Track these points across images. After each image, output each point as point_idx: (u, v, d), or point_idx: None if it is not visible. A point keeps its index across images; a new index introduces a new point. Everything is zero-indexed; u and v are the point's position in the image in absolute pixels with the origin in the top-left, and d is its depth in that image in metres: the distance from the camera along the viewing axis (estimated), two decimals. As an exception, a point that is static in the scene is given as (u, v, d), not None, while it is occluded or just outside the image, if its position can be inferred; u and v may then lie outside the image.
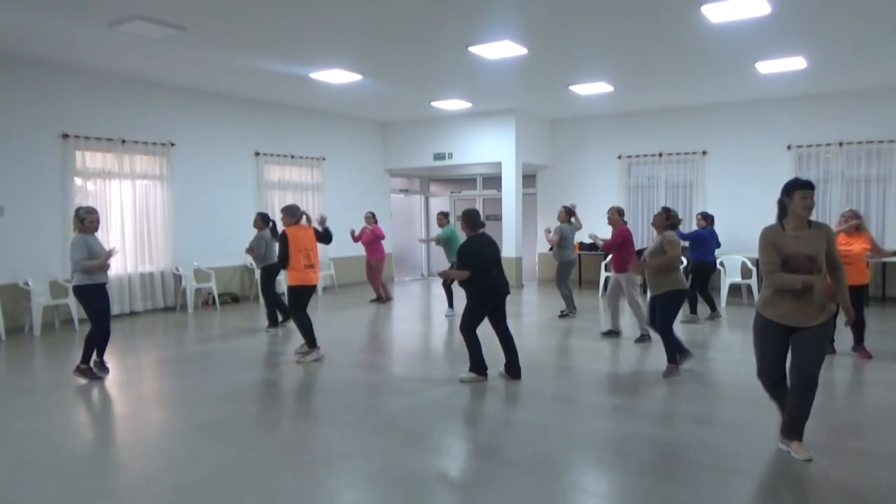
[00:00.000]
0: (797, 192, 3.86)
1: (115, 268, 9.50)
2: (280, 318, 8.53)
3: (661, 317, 5.98)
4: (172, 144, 10.22)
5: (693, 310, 8.96)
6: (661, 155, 12.63)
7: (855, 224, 6.51)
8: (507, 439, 4.45)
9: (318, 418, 5.02)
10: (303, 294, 6.75)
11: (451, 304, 9.55)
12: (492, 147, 13.07)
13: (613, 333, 7.73)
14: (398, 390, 5.65)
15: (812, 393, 3.87)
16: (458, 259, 5.77)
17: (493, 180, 14.21)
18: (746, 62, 8.94)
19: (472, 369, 5.82)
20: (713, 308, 9.07)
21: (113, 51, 8.12)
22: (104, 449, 4.42)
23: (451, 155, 13.61)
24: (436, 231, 10.34)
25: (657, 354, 6.37)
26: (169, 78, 9.77)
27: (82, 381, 5.94)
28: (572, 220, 9.41)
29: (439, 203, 15.88)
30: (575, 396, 5.46)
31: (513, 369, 5.87)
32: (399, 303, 11.15)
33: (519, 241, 13.13)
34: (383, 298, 10.91)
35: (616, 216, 7.85)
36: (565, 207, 9.53)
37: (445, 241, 9.39)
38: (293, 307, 6.76)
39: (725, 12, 6.74)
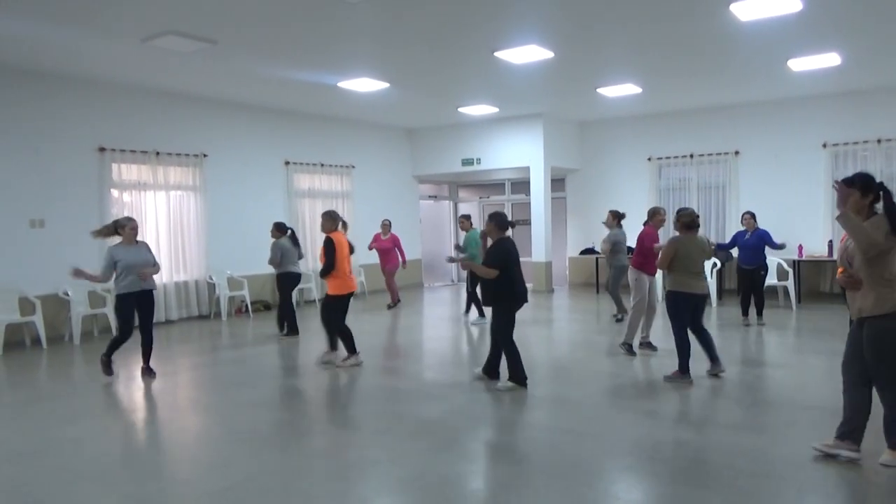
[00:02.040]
0: (882, 192, 3.70)
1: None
2: (286, 330, 8.53)
3: (671, 318, 5.89)
4: (205, 155, 10.41)
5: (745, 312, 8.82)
6: (692, 156, 12.46)
7: None
8: (537, 445, 4.42)
9: (348, 424, 5.05)
10: (346, 301, 6.72)
11: (481, 313, 9.28)
12: (520, 151, 13.04)
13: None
14: (427, 396, 5.66)
15: (881, 394, 3.71)
16: (491, 257, 5.65)
17: (522, 185, 14.16)
18: (778, 60, 8.78)
19: (513, 377, 5.73)
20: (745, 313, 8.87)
21: (146, 65, 8.32)
22: (140, 455, 4.51)
23: (479, 160, 13.61)
24: (461, 236, 10.26)
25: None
26: (200, 90, 9.97)
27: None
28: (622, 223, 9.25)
29: (468, 209, 15.87)
30: (604, 401, 5.40)
31: (491, 369, 5.94)
32: (428, 308, 11.16)
33: (548, 245, 13.06)
34: (392, 303, 11.04)
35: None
36: (613, 212, 9.29)
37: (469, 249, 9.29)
38: (335, 315, 6.70)
39: (755, 10, 6.64)
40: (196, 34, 7.03)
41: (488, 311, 6.03)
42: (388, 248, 10.95)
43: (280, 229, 8.58)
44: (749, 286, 8.84)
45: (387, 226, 11.12)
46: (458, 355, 7.66)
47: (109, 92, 9.23)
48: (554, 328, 9.26)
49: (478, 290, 8.37)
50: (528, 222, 13.53)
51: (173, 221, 10.04)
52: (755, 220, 8.90)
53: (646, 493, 3.67)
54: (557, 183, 13.98)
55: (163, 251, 9.79)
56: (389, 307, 10.98)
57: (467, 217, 9.86)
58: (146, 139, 9.66)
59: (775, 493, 3.53)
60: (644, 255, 7.08)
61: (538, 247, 13.06)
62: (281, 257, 8.38)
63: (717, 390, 5.58)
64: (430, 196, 15.86)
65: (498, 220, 5.75)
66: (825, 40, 7.94)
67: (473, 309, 9.50)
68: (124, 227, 6.16)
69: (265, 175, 11.46)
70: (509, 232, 5.85)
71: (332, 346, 6.84)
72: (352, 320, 6.90)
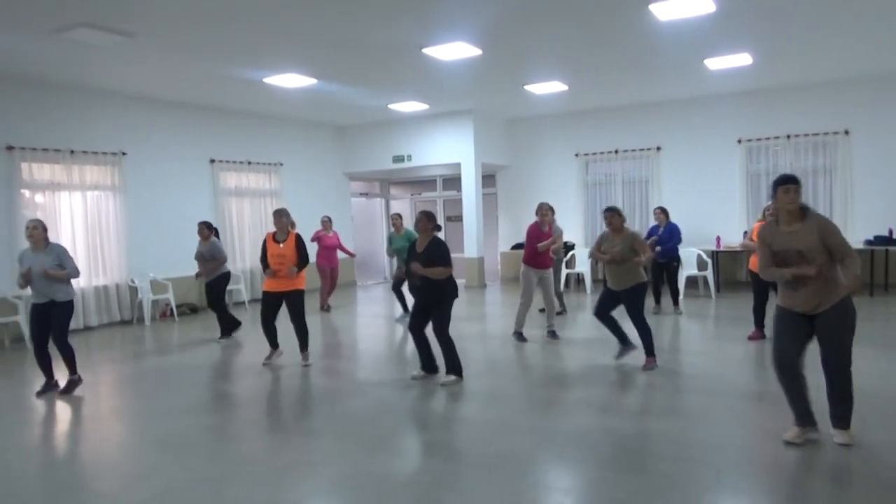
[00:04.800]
0: (780, 187, 3.93)
1: (68, 282, 9.27)
2: (221, 332, 8.35)
3: (636, 310, 6.06)
4: (124, 154, 9.99)
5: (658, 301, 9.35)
6: (616, 152, 12.83)
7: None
8: (470, 439, 4.46)
9: (278, 427, 4.97)
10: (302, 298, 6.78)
11: (406, 309, 9.46)
12: (450, 148, 13.11)
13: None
14: (360, 395, 5.62)
15: (837, 379, 3.91)
16: (440, 257, 5.69)
17: (453, 181, 14.24)
18: (696, 59, 9.15)
19: (453, 371, 5.81)
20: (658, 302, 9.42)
21: (58, 59, 7.90)
22: (58, 468, 4.29)
23: (410, 157, 13.60)
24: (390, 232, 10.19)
25: (606, 350, 6.42)
26: (118, 86, 9.55)
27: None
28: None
29: (400, 206, 15.84)
30: (535, 393, 5.51)
31: (433, 366, 6.05)
32: (362, 307, 11.08)
33: (480, 241, 13.18)
34: (327, 307, 10.67)
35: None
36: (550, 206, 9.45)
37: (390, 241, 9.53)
38: (302, 312, 6.69)
39: (673, 10, 6.88)
40: (111, 27, 6.73)
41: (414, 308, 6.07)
42: (334, 245, 10.61)
43: (210, 228, 8.35)
44: (661, 278, 9.36)
45: (328, 222, 10.71)
46: (392, 353, 7.64)
47: (18, 87, 8.71)
48: (487, 323, 9.36)
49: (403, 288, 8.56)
50: (459, 218, 13.62)
51: (90, 223, 9.58)
52: (666, 215, 9.33)
53: (575, 481, 3.76)
54: (488, 179, 14.13)
55: (80, 254, 9.32)
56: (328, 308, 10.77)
57: (400, 216, 9.79)
58: (59, 137, 9.18)
59: (697, 476, 3.68)
60: (533, 250, 7.37)
61: (470, 242, 13.17)
62: (224, 254, 8.22)
63: (640, 378, 5.78)
64: (361, 193, 15.74)
65: (433, 219, 5.84)
66: (737, 41, 8.32)
67: (397, 305, 9.64)
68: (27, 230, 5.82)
69: (189, 174, 11.09)
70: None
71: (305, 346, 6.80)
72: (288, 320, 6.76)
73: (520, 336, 7.50)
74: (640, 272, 6.07)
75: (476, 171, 12.96)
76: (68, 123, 9.32)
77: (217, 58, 8.20)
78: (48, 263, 5.71)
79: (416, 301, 6.06)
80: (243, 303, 11.33)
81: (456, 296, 5.84)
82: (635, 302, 6.06)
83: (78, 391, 5.97)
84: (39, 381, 6.07)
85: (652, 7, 6.76)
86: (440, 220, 14.92)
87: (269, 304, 6.74)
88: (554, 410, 5.02)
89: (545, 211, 7.57)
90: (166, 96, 10.41)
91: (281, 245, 6.62)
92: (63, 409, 5.60)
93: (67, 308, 5.87)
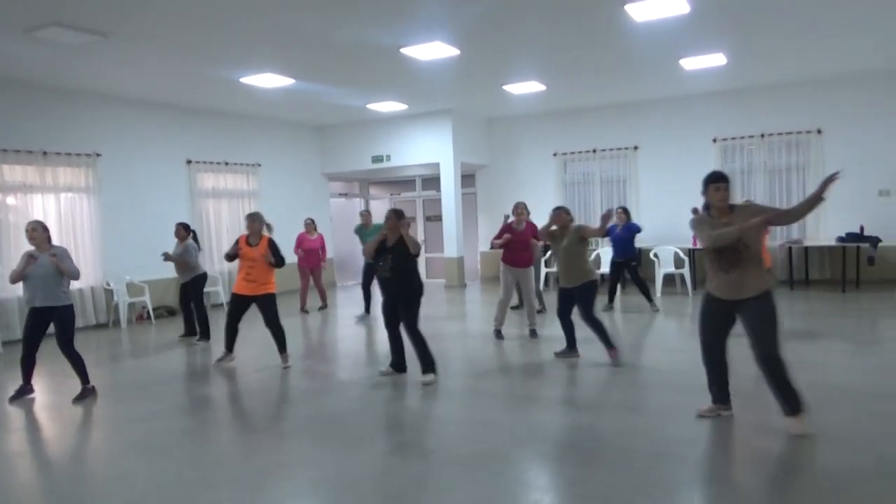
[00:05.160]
0: (711, 185, 4.14)
1: (14, 288, 9.10)
2: (198, 335, 8.30)
3: (587, 307, 6.20)
4: (98, 155, 9.85)
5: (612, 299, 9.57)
6: (594, 151, 12.92)
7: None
8: (448, 438, 4.47)
9: (256, 429, 4.93)
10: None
11: (367, 310, 9.63)
12: (429, 148, 13.11)
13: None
14: (336, 395, 5.60)
15: (773, 367, 4.03)
16: (411, 252, 5.78)
17: (433, 181, 14.24)
18: (671, 59, 9.25)
19: (429, 369, 5.86)
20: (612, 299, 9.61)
21: (30, 58, 7.77)
22: (31, 476, 4.22)
23: (389, 157, 13.58)
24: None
25: (585, 349, 6.47)
26: (92, 86, 9.42)
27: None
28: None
29: (380, 206, 15.81)
30: (513, 391, 5.53)
31: (403, 366, 6.11)
32: (342, 308, 11.04)
33: (460, 240, 13.20)
34: (321, 305, 10.71)
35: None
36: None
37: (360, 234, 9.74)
38: (275, 314, 6.66)
39: (648, 11, 6.96)
40: (84, 26, 6.64)
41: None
42: (316, 248, 10.55)
43: (187, 230, 8.28)
44: (618, 277, 9.59)
45: (311, 224, 10.64)
46: (368, 352, 7.62)
47: (-13, 87, 8.58)
48: (468, 322, 9.38)
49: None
50: (439, 218, 13.63)
51: (64, 225, 9.43)
52: (627, 215, 9.47)
53: (553, 479, 3.78)
54: (467, 179, 14.16)
55: (53, 257, 9.19)
56: (305, 311, 10.69)
57: (369, 211, 9.96)
58: (31, 138, 9.03)
59: (673, 471, 3.73)
60: (510, 250, 7.51)
61: (450, 242, 13.18)
62: (194, 260, 8.15)
63: (616, 376, 5.83)
64: (340, 194, 15.68)
65: (403, 216, 5.90)
66: (711, 41, 8.43)
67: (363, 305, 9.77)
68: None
69: (165, 175, 10.97)
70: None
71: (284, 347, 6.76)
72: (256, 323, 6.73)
73: (499, 334, 7.64)
74: (590, 270, 6.26)
75: (455, 171, 12.98)
76: (41, 124, 9.17)
77: (193, 57, 8.12)
78: (43, 264, 5.59)
79: (384, 297, 6.10)
80: (221, 304, 11.23)
81: (422, 293, 5.91)
82: (587, 299, 6.21)
83: (51, 397, 5.88)
84: (14, 385, 5.97)
85: (628, 7, 6.82)
86: (419, 220, 14.98)
87: (237, 307, 6.70)
88: (531, 408, 5.05)
89: (521, 210, 7.71)
90: (141, 96, 10.29)
91: (253, 249, 6.58)
92: (38, 415, 5.52)
93: (69, 313, 5.73)
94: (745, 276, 4.08)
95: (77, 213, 9.63)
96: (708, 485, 3.60)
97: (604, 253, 11.48)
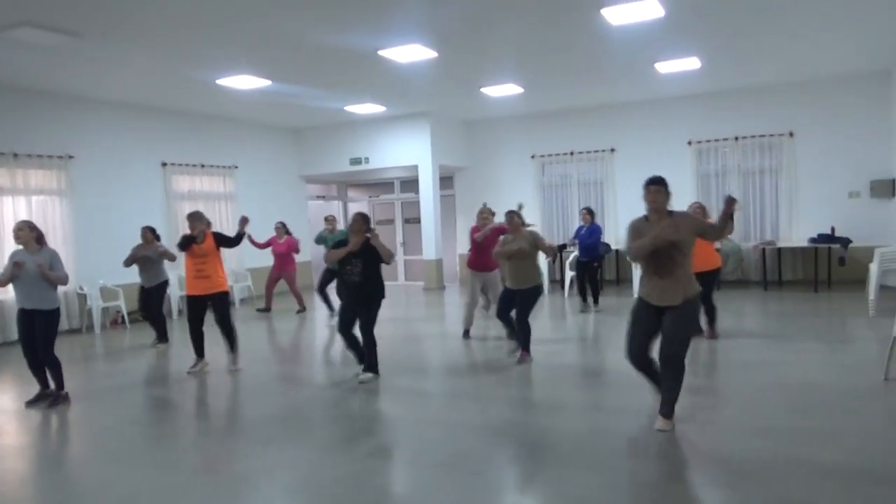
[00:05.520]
0: (645, 189, 4.33)
1: (10, 290, 8.92)
2: (158, 339, 8.29)
3: (524, 309, 6.37)
4: (71, 157, 9.69)
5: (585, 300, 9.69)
6: (572, 153, 13.01)
7: (701, 215, 7.03)
8: (425, 440, 4.45)
9: (233, 434, 4.88)
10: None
11: (331, 309, 9.63)
12: (408, 150, 13.10)
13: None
14: (311, 399, 5.57)
15: (673, 370, 4.21)
16: (378, 256, 5.86)
17: (411, 183, 14.23)
18: (647, 63, 9.35)
19: (373, 368, 6.02)
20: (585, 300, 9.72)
21: (0, 59, 7.64)
22: (4, 485, 4.13)
23: (367, 159, 13.55)
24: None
25: (558, 350, 6.54)
26: (65, 87, 9.27)
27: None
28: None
29: (358, 208, 15.76)
30: (494, 393, 5.55)
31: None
32: (318, 311, 10.97)
33: (439, 243, 13.21)
34: (299, 308, 10.65)
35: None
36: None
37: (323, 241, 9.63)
38: (228, 314, 6.64)
39: (624, 15, 7.03)
40: (56, 26, 6.53)
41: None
42: (282, 252, 10.52)
43: (154, 233, 8.22)
44: (585, 276, 9.64)
45: (280, 229, 10.59)
46: (338, 355, 7.59)
47: (-45, 88, 8.41)
48: (446, 324, 9.38)
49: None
50: (417, 220, 13.62)
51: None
52: (592, 217, 9.56)
53: (531, 479, 3.79)
54: (446, 181, 14.17)
55: (25, 261, 9.02)
56: (267, 311, 10.70)
57: (335, 218, 9.91)
58: (2, 140, 8.84)
59: (651, 470, 3.76)
60: (476, 255, 7.69)
61: (428, 244, 13.18)
62: (157, 265, 8.12)
63: (584, 377, 5.88)
64: (318, 196, 15.60)
65: (369, 222, 6.01)
66: (686, 45, 8.54)
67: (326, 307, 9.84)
68: None
69: (140, 177, 10.83)
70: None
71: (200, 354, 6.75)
72: (240, 326, 6.67)
73: (467, 334, 7.81)
74: (538, 275, 6.41)
75: (434, 173, 12.99)
76: (11, 125, 9.00)
77: (168, 59, 8.03)
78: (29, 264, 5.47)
79: (344, 301, 6.14)
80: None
81: (384, 296, 6.03)
82: (527, 302, 6.39)
83: (22, 405, 5.76)
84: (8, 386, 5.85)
85: (604, 11, 6.89)
86: (398, 222, 14.96)
87: (196, 309, 6.64)
88: (507, 409, 5.06)
89: (486, 214, 7.88)
90: (116, 98, 10.15)
91: (201, 245, 6.52)
92: (7, 423, 5.40)
93: (52, 317, 5.62)
94: (677, 284, 4.21)
95: (49, 217, 9.46)
96: (683, 483, 3.64)
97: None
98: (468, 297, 7.89)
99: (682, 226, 4.20)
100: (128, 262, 8.09)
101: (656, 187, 4.28)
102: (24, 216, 9.08)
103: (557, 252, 6.39)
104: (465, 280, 13.80)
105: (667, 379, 4.25)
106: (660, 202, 4.27)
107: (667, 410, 4.27)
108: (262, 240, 10.54)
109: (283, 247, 10.50)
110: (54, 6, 6.04)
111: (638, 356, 4.39)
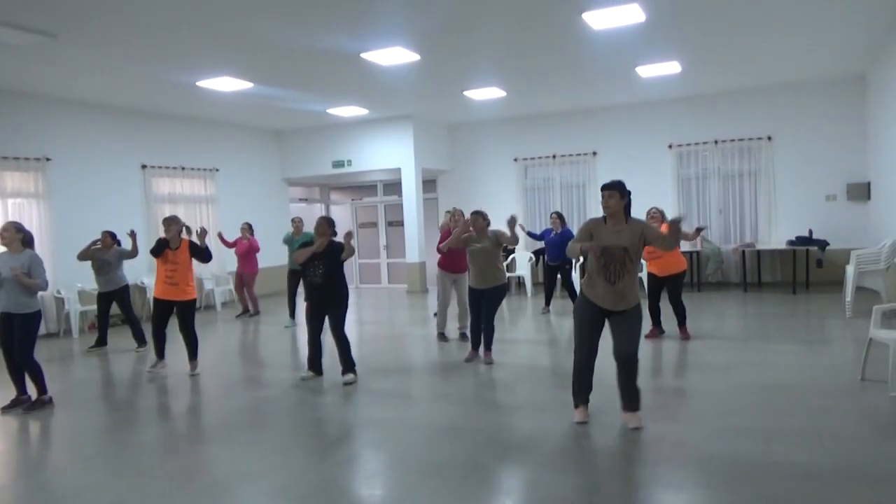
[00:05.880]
0: (602, 192, 4.40)
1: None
2: (138, 342, 8.30)
3: (492, 308, 6.58)
4: (48, 159, 9.56)
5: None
6: (554, 157, 13.08)
7: (658, 220, 7.14)
8: (410, 444, 4.44)
9: (215, 440, 4.83)
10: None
11: (292, 315, 9.63)
12: (391, 153, 13.09)
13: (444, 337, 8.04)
14: (292, 404, 5.54)
15: (634, 367, 4.38)
16: (341, 258, 6.03)
17: (394, 186, 14.22)
18: (628, 67, 9.42)
19: (351, 369, 6.14)
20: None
21: (-26, 60, 7.52)
22: (-23, 492, 4.07)
23: (350, 162, 13.52)
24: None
25: (540, 352, 6.56)
26: (41, 88, 9.14)
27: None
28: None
29: (341, 211, 15.72)
30: (472, 395, 5.55)
31: (320, 368, 6.34)
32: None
33: (421, 245, 13.20)
34: (251, 312, 10.67)
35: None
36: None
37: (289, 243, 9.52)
38: (191, 321, 6.74)
39: (605, 19, 7.09)
40: (31, 26, 6.45)
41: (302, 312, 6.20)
42: (244, 252, 10.49)
43: (113, 237, 8.18)
44: (553, 280, 9.81)
45: (245, 229, 10.57)
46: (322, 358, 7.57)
47: (-71, 89, 8.26)
48: (428, 327, 9.36)
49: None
50: (400, 223, 13.60)
51: (12, 232, 9.11)
52: (562, 221, 9.64)
53: (518, 482, 3.79)
54: (429, 184, 14.17)
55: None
56: (248, 315, 10.65)
57: (301, 220, 9.83)
58: (-24, 141, 8.73)
59: (638, 471, 3.78)
60: (447, 257, 7.77)
61: (411, 247, 13.18)
62: (118, 270, 8.12)
63: (561, 377, 5.89)
64: (300, 199, 15.53)
65: (334, 226, 6.18)
66: (666, 49, 8.63)
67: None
68: None
69: (119, 179, 10.71)
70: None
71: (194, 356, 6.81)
72: (214, 330, 6.62)
73: (442, 336, 7.94)
74: (503, 274, 6.59)
75: (416, 176, 12.98)
76: (-14, 127, 8.87)
77: (147, 60, 7.95)
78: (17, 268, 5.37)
79: (310, 305, 6.18)
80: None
81: (348, 297, 6.22)
82: (494, 301, 6.57)
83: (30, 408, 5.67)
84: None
85: (585, 16, 6.94)
86: (381, 225, 14.93)
87: (161, 313, 6.75)
88: (490, 412, 5.06)
89: (457, 217, 7.81)
90: (93, 99, 10.03)
91: (174, 252, 6.58)
92: (-17, 429, 5.31)
93: (31, 321, 5.51)
94: (627, 289, 4.31)
95: (26, 220, 9.28)
96: (664, 485, 3.66)
97: (521, 257, 12.25)
98: (439, 299, 8.02)
99: (633, 233, 4.30)
100: (81, 256, 8.01)
101: (608, 192, 4.35)
102: (-1, 219, 8.97)
103: (517, 237, 6.45)
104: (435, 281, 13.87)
105: (629, 377, 4.40)
106: (612, 206, 4.32)
107: (636, 405, 4.43)
108: (232, 240, 10.69)
109: (245, 247, 10.50)
110: (30, 6, 5.97)
111: (586, 357, 4.49)
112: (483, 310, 6.59)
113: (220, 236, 10.79)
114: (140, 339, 8.23)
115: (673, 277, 7.19)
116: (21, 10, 6.06)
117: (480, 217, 6.63)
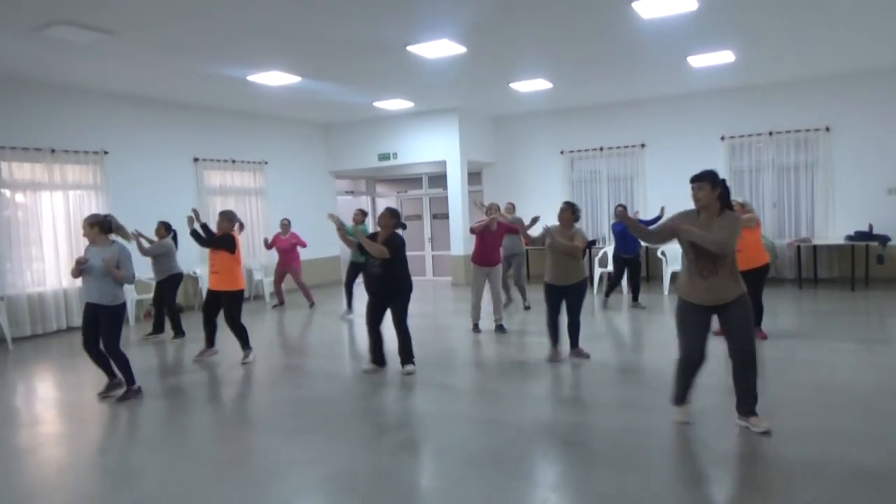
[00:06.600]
0: (690, 185, 4.18)
1: (50, 282, 9.18)
2: (174, 333, 8.47)
3: (578, 303, 6.31)
4: (106, 152, 9.89)
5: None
6: (601, 149, 12.88)
7: (741, 212, 6.85)
8: (454, 436, 4.45)
9: (265, 427, 4.93)
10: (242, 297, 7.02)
11: (350, 306, 9.73)
12: (436, 146, 13.10)
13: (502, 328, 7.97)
14: (340, 393, 5.61)
15: (751, 366, 4.10)
16: (392, 245, 5.93)
17: (439, 179, 14.23)
18: (679, 56, 9.20)
19: (410, 359, 6.14)
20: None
21: (38, 57, 7.79)
22: (40, 471, 4.24)
23: (395, 155, 13.58)
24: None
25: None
26: (99, 84, 9.45)
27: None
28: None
29: (386, 203, 15.82)
30: (512, 389, 5.53)
31: (383, 360, 6.31)
32: (335, 304, 11.05)
33: (466, 238, 13.18)
34: (309, 303, 10.84)
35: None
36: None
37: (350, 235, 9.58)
38: (234, 313, 6.83)
39: (655, 8, 6.91)
40: (91, 24, 6.65)
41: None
42: (286, 247, 10.71)
43: (167, 228, 8.42)
44: (622, 273, 9.70)
45: (286, 225, 10.82)
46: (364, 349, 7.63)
47: (-4, 85, 8.61)
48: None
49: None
50: (445, 216, 13.61)
51: (73, 223, 9.44)
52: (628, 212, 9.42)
53: (561, 476, 3.76)
54: (474, 177, 14.13)
55: (62, 255, 9.25)
56: (282, 306, 10.91)
57: (365, 213, 9.95)
58: (39, 135, 9.05)
59: (681, 469, 3.71)
60: (481, 250, 7.83)
61: (456, 240, 13.17)
62: (170, 259, 8.31)
63: (612, 374, 5.81)
64: (347, 192, 15.69)
65: (397, 216, 6.14)
66: (719, 38, 8.38)
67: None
68: None
69: (172, 172, 11.00)
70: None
71: (246, 344, 6.95)
72: (263, 320, 6.76)
73: (476, 328, 7.99)
74: (584, 270, 6.31)
75: (462, 169, 12.96)
76: (49, 122, 9.21)
77: (200, 55, 8.13)
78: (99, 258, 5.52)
79: (370, 294, 6.19)
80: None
81: (412, 289, 6.14)
82: (579, 296, 6.30)
83: (58, 392, 5.90)
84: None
85: (635, 5, 6.79)
86: (426, 218, 14.98)
87: (210, 302, 6.99)
88: (535, 406, 5.04)
89: (494, 210, 7.93)
90: (148, 94, 10.32)
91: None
92: (40, 412, 5.54)
93: (116, 313, 5.63)
94: (721, 284, 4.06)
95: (85, 211, 9.57)
96: (716, 484, 3.58)
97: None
98: (473, 292, 8.01)
99: (724, 227, 4.03)
100: (142, 252, 8.26)
101: (697, 184, 4.11)
102: (61, 211, 9.34)
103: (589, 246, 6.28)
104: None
105: (749, 375, 4.12)
106: (703, 199, 4.08)
107: (754, 406, 4.16)
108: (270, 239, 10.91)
109: (286, 242, 10.69)
110: (89, 5, 6.15)
111: (692, 361, 4.21)
112: (569, 307, 6.30)
113: (265, 242, 10.91)
114: (177, 329, 8.38)
115: (755, 271, 6.56)
116: (81, 9, 6.26)
117: (570, 209, 6.33)
